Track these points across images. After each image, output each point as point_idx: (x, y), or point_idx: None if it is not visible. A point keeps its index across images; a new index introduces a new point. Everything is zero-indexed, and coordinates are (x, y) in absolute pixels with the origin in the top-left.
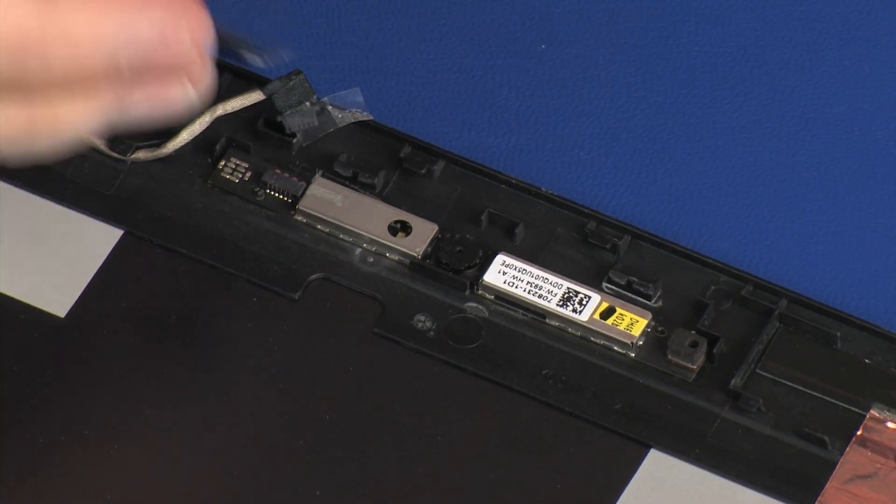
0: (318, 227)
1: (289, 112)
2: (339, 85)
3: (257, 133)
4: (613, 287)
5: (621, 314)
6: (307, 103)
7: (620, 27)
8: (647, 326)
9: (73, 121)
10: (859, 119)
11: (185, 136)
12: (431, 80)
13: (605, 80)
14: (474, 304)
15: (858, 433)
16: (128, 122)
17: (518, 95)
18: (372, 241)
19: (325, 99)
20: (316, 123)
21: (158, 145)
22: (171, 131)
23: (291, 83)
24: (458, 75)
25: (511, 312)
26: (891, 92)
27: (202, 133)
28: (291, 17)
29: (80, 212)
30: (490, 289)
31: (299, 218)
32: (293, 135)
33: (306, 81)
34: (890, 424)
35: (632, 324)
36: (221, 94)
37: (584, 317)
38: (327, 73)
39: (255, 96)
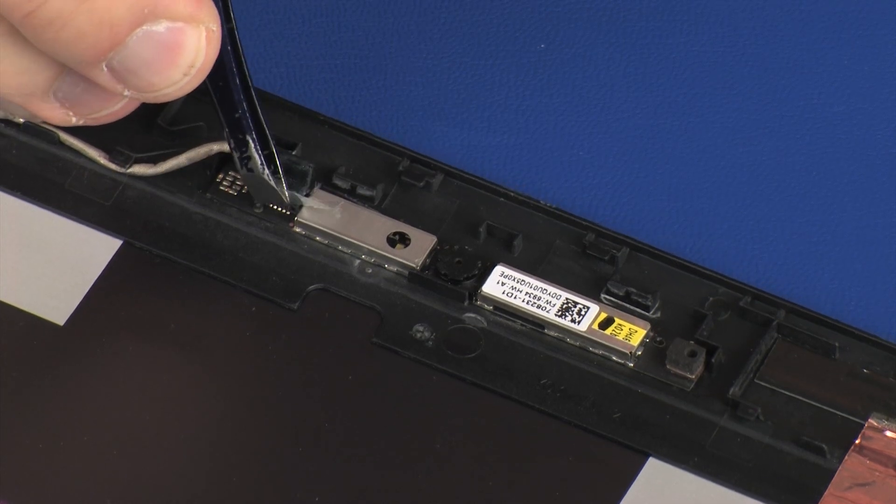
0: (317, 238)
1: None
2: (339, 84)
3: None
4: (612, 298)
5: (620, 324)
6: (297, 190)
7: (620, 27)
8: (646, 336)
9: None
10: (859, 119)
11: (183, 160)
12: (431, 79)
13: (605, 80)
14: (473, 315)
15: (857, 442)
16: (124, 59)
17: (518, 95)
18: (371, 253)
19: (316, 191)
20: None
21: (156, 162)
22: (170, 151)
23: (297, 167)
24: (457, 75)
25: (510, 323)
26: (890, 91)
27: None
28: (291, 17)
29: (79, 221)
30: (489, 299)
31: (298, 230)
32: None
33: (309, 175)
34: (888, 433)
35: (630, 334)
36: None
37: (582, 327)
38: (327, 73)
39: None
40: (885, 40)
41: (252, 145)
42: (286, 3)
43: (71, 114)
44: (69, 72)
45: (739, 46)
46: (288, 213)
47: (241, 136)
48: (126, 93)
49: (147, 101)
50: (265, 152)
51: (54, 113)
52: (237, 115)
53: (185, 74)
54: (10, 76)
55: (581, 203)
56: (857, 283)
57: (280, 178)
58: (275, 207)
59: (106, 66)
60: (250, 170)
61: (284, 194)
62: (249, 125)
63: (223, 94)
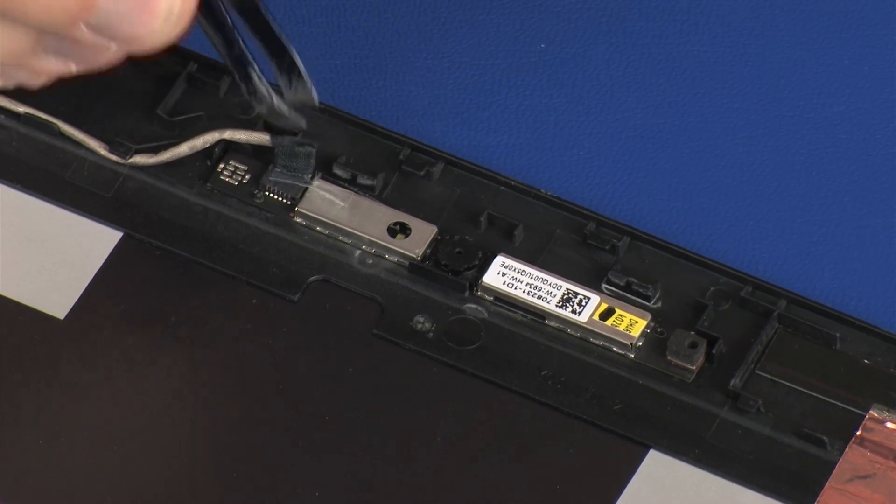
0: (318, 229)
1: (281, 171)
2: (339, 85)
3: None
4: (613, 288)
5: (621, 315)
6: (301, 175)
7: (620, 27)
8: (647, 327)
9: None
10: (859, 119)
11: (185, 149)
12: (431, 79)
13: (604, 79)
14: (473, 306)
15: (857, 433)
16: (100, 17)
17: (518, 95)
18: (371, 243)
19: (316, 181)
20: (296, 193)
21: (157, 152)
22: (171, 141)
23: (300, 149)
24: (457, 75)
25: (510, 313)
26: (890, 91)
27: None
28: (291, 17)
29: (79, 214)
30: (489, 290)
31: (298, 220)
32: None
33: (313, 157)
34: (889, 425)
35: (631, 324)
36: (221, 97)
37: (583, 318)
38: (327, 73)
39: (263, 138)
40: (885, 40)
41: (255, 77)
42: (286, 3)
43: (70, 62)
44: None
45: (739, 46)
46: (288, 203)
47: (243, 71)
48: (112, 47)
49: (138, 53)
50: (287, 61)
51: (53, 66)
52: (236, 52)
53: (166, 20)
54: None
55: (581, 203)
56: (858, 273)
57: (304, 83)
58: (278, 199)
59: (84, 25)
60: (260, 101)
61: (312, 98)
62: (249, 59)
63: (219, 33)
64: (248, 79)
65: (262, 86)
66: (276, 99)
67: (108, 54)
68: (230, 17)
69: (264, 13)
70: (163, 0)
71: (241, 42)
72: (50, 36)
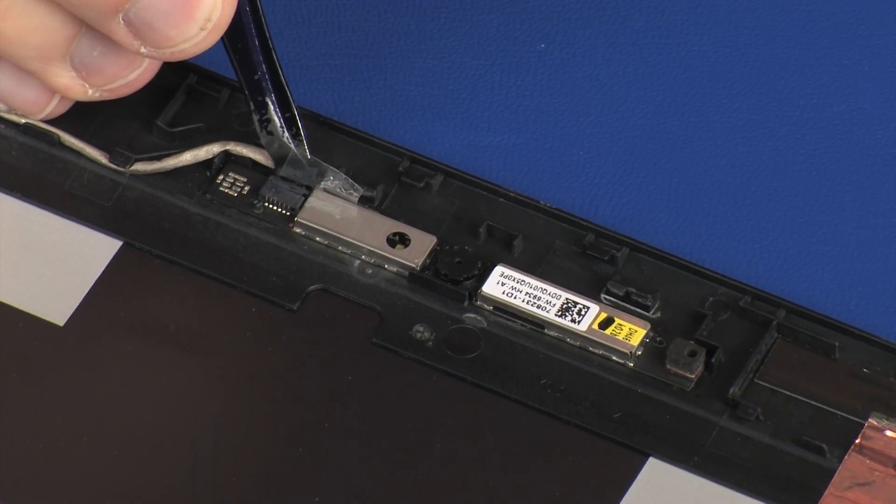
0: (317, 239)
1: (283, 177)
2: (339, 84)
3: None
4: (612, 298)
5: (620, 324)
6: (302, 187)
7: (620, 27)
8: (646, 336)
9: None
10: (859, 119)
11: (188, 158)
12: (431, 79)
13: (604, 80)
14: (473, 315)
15: (857, 441)
16: (140, 10)
17: (518, 95)
18: (371, 253)
19: (316, 191)
20: (295, 203)
21: (159, 159)
22: (171, 151)
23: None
24: (457, 75)
25: (509, 323)
26: (890, 91)
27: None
28: (291, 17)
29: (79, 222)
30: (489, 299)
31: (298, 230)
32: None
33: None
34: (888, 433)
35: (630, 334)
36: (221, 109)
37: (582, 327)
38: (327, 73)
39: (265, 155)
40: (885, 40)
41: (271, 107)
42: (286, 3)
43: (87, 85)
44: (85, 34)
45: (739, 46)
46: (288, 214)
47: (260, 98)
48: (143, 49)
49: (163, 59)
50: (286, 115)
51: (71, 82)
52: (256, 77)
53: (202, 29)
54: (29, 33)
55: (581, 203)
56: (856, 282)
57: (302, 141)
58: (277, 209)
59: (123, 18)
60: (270, 132)
61: (306, 156)
62: (269, 87)
63: (242, 56)
64: (263, 107)
65: (276, 117)
66: (286, 133)
67: (131, 75)
68: (257, 43)
69: (276, 60)
70: (205, 6)
71: (263, 69)
72: (81, 40)
